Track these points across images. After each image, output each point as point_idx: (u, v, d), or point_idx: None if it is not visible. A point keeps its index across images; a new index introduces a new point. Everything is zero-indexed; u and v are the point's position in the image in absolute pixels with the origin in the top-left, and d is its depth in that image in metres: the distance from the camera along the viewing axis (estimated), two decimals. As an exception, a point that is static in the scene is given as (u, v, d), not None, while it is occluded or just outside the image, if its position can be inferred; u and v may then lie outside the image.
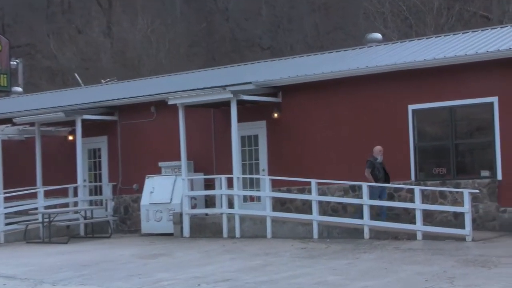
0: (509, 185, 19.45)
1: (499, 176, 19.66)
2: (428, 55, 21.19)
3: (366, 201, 19.57)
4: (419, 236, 18.66)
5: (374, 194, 20.04)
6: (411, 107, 21.01)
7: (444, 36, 24.56)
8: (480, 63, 19.84)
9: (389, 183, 20.41)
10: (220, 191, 22.30)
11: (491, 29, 23.60)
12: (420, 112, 20.94)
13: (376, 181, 20.21)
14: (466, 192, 18.29)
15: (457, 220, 19.59)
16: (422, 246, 17.63)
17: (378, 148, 20.67)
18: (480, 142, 20.28)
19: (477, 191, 19.05)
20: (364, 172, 20.47)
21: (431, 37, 25.15)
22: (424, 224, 18.92)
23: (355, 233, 19.69)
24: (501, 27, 23.67)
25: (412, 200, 19.57)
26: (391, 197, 21.01)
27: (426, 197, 20.22)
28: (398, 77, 21.16)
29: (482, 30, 23.62)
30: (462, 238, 18.02)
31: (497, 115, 19.70)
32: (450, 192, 20.02)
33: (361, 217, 19.65)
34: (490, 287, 12.05)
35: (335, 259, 15.99)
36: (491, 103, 19.78)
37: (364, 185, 19.65)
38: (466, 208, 18.17)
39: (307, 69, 23.54)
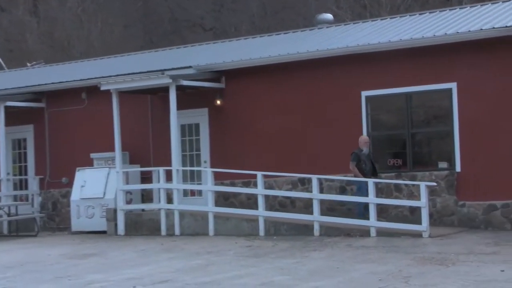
0: (468, 178, 19.73)
1: (458, 168, 19.91)
2: (383, 37, 21.35)
3: (316, 195, 19.67)
4: (373, 232, 18.83)
5: (364, 189, 19.38)
6: (364, 94, 21.16)
7: (400, 17, 24.77)
8: (438, 46, 20.06)
9: (377, 176, 19.98)
10: (158, 184, 22.21)
11: (450, 10, 23.88)
12: (374, 99, 21.11)
13: (363, 176, 19.68)
14: (423, 185, 18.48)
15: (413, 215, 19.82)
16: (376, 243, 17.79)
17: (364, 138, 20.17)
18: (438, 131, 20.52)
19: (435, 184, 19.26)
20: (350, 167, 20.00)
21: (386, 18, 25.36)
22: (378, 220, 19.08)
23: (304, 230, 19.79)
24: (460, 8, 23.96)
25: (365, 194, 19.72)
26: (342, 191, 21.17)
27: (380, 191, 20.39)
28: (351, 61, 21.28)
29: (440, 11, 23.88)
30: (418, 235, 18.22)
31: (456, 103, 19.94)
32: (406, 185, 20.22)
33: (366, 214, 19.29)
34: (447, 287, 12.21)
35: (282, 258, 16.05)
36: (450, 90, 20.03)
37: (314, 178, 19.74)
38: (423, 202, 18.37)
39: (253, 52, 23.54)
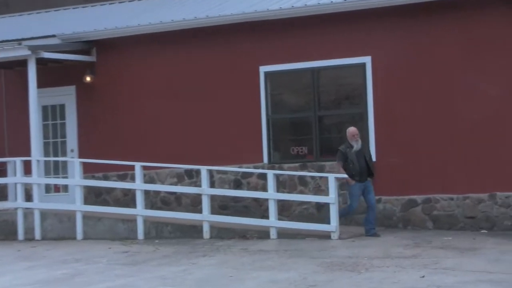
0: (385, 169, 20.01)
1: (373, 157, 20.18)
2: (284, 2, 21.46)
3: (205, 190, 19.70)
4: (273, 234, 18.99)
5: (356, 194, 18.84)
6: (263, 69, 21.28)
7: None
8: (351, 13, 20.23)
9: (372, 176, 19.11)
10: (14, 178, 21.92)
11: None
12: (275, 75, 21.26)
13: (351, 177, 18.82)
14: (331, 177, 18.68)
15: (320, 213, 20.08)
16: (277, 246, 17.95)
17: (351, 131, 19.02)
18: (350, 114, 20.77)
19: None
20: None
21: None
22: (279, 219, 19.26)
23: (192, 232, 19.84)
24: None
25: (264, 189, 19.89)
26: (237, 185, 21.26)
27: (282, 184, 20.58)
28: (247, 31, 21.37)
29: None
30: (326, 236, 18.46)
31: (371, 80, 20.22)
32: (312, 177, 20.43)
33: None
34: (359, 296, 12.46)
35: (165, 265, 16.06)
36: (363, 65, 20.30)
37: (203, 169, 19.75)
38: (332, 197, 18.58)
39: (130, 19, 23.45)
